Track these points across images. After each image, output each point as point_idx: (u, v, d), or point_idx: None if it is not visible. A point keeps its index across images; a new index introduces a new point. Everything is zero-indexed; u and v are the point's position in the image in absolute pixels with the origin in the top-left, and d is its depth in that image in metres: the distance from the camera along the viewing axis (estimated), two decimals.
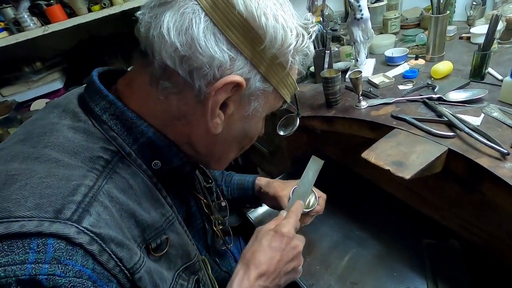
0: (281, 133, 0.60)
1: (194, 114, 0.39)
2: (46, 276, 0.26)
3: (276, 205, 0.71)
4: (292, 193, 0.68)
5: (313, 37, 0.40)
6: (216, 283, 0.50)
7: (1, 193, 0.28)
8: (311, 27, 0.39)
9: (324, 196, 0.72)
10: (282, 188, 0.71)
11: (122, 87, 0.41)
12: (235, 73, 0.35)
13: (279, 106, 0.45)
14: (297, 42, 0.37)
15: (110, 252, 0.30)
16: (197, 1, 0.33)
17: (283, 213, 0.60)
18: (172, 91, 0.37)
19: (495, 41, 0.83)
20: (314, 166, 0.67)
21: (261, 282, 0.48)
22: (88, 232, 0.29)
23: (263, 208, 0.92)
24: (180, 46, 0.33)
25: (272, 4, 0.35)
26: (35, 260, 0.26)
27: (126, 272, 0.31)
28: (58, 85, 1.47)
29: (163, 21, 0.33)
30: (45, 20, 1.13)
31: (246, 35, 0.35)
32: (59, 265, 0.26)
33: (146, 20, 0.35)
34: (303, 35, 0.38)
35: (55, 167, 0.32)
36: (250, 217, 0.93)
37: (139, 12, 0.37)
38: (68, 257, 0.27)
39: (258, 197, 0.75)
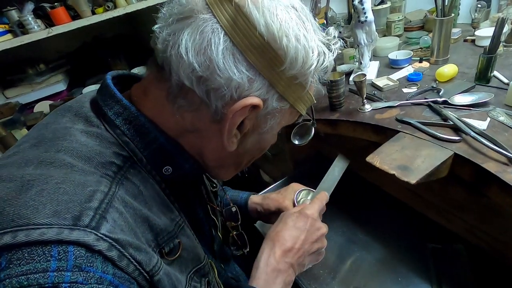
0: (296, 142, 0.59)
1: (208, 130, 0.38)
2: (69, 284, 0.26)
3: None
4: (295, 199, 0.67)
5: (335, 54, 0.38)
6: (222, 287, 0.50)
7: (18, 200, 0.28)
8: (333, 44, 0.38)
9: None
10: (282, 198, 0.69)
11: (137, 94, 0.41)
12: (253, 94, 0.35)
13: (295, 120, 0.45)
14: (318, 62, 0.36)
15: (129, 257, 0.30)
16: (217, 20, 0.33)
17: (307, 201, 0.61)
18: (188, 109, 0.37)
19: (500, 44, 0.82)
20: (340, 164, 0.67)
21: (287, 258, 0.50)
22: (107, 239, 0.29)
23: None
24: (198, 67, 0.33)
25: (294, 24, 0.34)
26: (57, 268, 0.26)
27: (146, 274, 0.31)
28: (61, 87, 1.48)
29: (182, 40, 0.33)
30: (49, 22, 1.13)
31: (266, 56, 0.34)
32: (81, 273, 0.26)
33: (163, 36, 0.35)
34: (324, 53, 0.37)
35: (70, 172, 0.32)
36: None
37: (156, 26, 0.36)
38: (89, 264, 0.27)
39: (254, 216, 0.74)
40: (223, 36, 0.33)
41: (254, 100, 0.35)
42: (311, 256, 0.55)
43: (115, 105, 0.38)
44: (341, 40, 0.40)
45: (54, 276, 0.25)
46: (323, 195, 0.61)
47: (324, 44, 0.37)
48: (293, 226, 0.53)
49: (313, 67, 0.36)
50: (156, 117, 0.39)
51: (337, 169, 0.67)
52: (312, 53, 0.35)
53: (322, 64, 0.37)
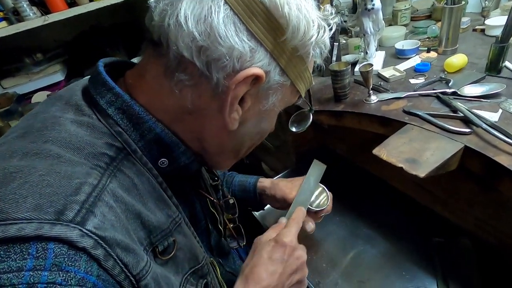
0: (294, 129, 0.57)
1: (208, 108, 0.37)
2: (45, 285, 0.24)
3: (284, 207, 0.68)
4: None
5: (333, 29, 0.37)
6: (225, 286, 0.48)
7: None
8: (331, 19, 0.37)
9: (331, 195, 0.70)
10: (290, 189, 0.67)
11: (131, 79, 0.39)
12: (255, 65, 0.34)
13: (295, 101, 0.43)
14: (318, 34, 0.36)
15: (116, 257, 0.28)
16: None
17: (283, 220, 0.56)
18: (187, 84, 0.35)
19: None
20: (316, 171, 0.65)
21: None
22: (93, 235, 0.27)
23: None
24: (198, 35, 0.31)
25: None
26: (33, 267, 0.24)
27: (132, 278, 0.29)
28: (59, 77, 1.45)
29: (180, 8, 0.31)
30: (45, 9, 1.10)
31: (268, 25, 0.33)
32: (60, 272, 0.24)
33: (161, 7, 0.33)
34: (324, 27, 0.36)
35: (56, 163, 0.30)
36: (254, 213, 0.91)
37: (152, 0, 0.34)
38: (70, 263, 0.25)
39: (261, 200, 0.72)
40: (223, 4, 0.31)
41: (256, 70, 0.34)
42: None
43: (107, 94, 0.36)
44: (339, 17, 0.40)
45: (30, 276, 0.23)
46: (299, 213, 0.57)
47: (323, 20, 0.37)
48: (269, 259, 0.47)
49: (313, 38, 0.35)
50: (152, 100, 0.37)
51: (312, 178, 0.64)
52: (313, 24, 0.35)
53: (322, 36, 0.36)
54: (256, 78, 0.34)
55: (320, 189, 0.69)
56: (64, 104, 0.37)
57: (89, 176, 0.30)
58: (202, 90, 0.35)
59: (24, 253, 0.24)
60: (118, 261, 0.28)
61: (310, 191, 0.63)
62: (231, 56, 0.32)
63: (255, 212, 0.91)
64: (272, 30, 0.33)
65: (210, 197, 0.53)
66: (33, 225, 0.25)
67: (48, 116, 0.35)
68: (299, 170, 1.06)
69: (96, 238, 0.27)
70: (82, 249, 0.26)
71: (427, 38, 1.01)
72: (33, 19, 1.06)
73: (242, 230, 0.63)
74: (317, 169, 0.65)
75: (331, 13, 0.38)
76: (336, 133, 1.00)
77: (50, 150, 0.31)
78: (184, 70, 0.34)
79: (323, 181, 0.69)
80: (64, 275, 0.24)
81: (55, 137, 0.32)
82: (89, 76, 0.40)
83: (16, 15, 1.07)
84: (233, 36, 0.32)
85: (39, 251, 0.24)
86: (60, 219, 0.26)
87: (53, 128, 0.33)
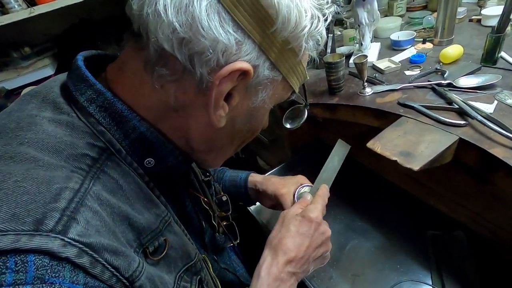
0: (288, 126, 0.56)
1: (193, 105, 0.34)
2: None
3: (276, 204, 0.67)
4: (295, 193, 0.64)
5: (329, 19, 0.35)
6: (218, 281, 0.48)
7: None
8: (326, 9, 0.34)
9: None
10: (282, 185, 0.66)
11: (112, 74, 0.37)
12: (242, 59, 0.31)
13: (287, 97, 0.41)
14: (311, 25, 0.33)
15: (104, 263, 0.27)
16: None
17: (307, 196, 0.58)
18: (170, 79, 0.33)
19: (509, 24, 0.78)
20: (340, 151, 0.64)
21: (290, 268, 0.48)
22: (76, 243, 0.25)
23: None
24: (179, 26, 0.29)
25: None
26: (13, 282, 0.22)
27: (125, 281, 0.28)
28: (49, 71, 1.41)
29: None
30: (31, 1, 1.07)
31: (255, 15, 0.30)
32: (44, 285, 0.23)
33: None
34: (318, 17, 0.34)
35: (33, 168, 0.28)
36: (249, 208, 0.90)
37: None
38: (53, 275, 0.23)
39: (252, 195, 0.71)
40: None
41: (243, 64, 0.31)
42: (315, 261, 0.53)
43: (87, 90, 0.34)
44: (335, 6, 0.37)
45: None
46: (324, 190, 0.58)
47: (317, 9, 0.34)
48: (297, 232, 0.50)
49: (306, 29, 0.33)
50: (135, 97, 0.35)
51: (337, 158, 0.63)
52: (306, 13, 0.32)
53: (316, 28, 0.34)
54: (243, 73, 0.32)
55: (308, 188, 0.67)
56: (41, 102, 0.34)
57: (69, 180, 0.28)
58: (186, 86, 0.33)
59: (2, 267, 0.22)
60: (108, 266, 0.27)
61: (334, 170, 0.63)
62: (215, 49, 0.30)
63: (250, 208, 0.90)
64: (260, 20, 0.31)
65: (200, 196, 0.51)
66: (9, 238, 0.23)
67: (23, 115, 0.33)
68: (294, 164, 1.06)
69: (80, 246, 0.25)
70: (65, 259, 0.24)
71: (423, 29, 0.99)
72: (19, 11, 1.02)
73: (236, 228, 0.62)
74: (341, 149, 0.64)
75: (327, 2, 0.35)
76: (331, 127, 0.99)
77: (26, 153, 0.29)
78: (166, 64, 0.32)
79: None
80: (48, 287, 0.23)
81: (31, 138, 0.30)
82: (67, 72, 0.37)
83: (0, 7, 1.03)
84: (217, 27, 0.29)
85: (18, 264, 0.23)
86: (39, 230, 0.24)
87: (29, 129, 0.31)
